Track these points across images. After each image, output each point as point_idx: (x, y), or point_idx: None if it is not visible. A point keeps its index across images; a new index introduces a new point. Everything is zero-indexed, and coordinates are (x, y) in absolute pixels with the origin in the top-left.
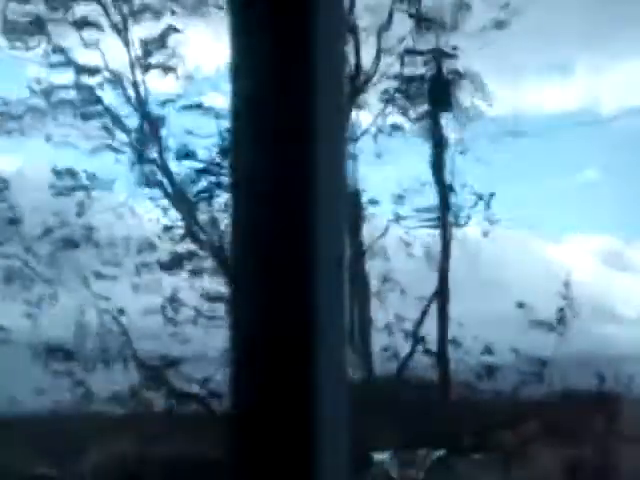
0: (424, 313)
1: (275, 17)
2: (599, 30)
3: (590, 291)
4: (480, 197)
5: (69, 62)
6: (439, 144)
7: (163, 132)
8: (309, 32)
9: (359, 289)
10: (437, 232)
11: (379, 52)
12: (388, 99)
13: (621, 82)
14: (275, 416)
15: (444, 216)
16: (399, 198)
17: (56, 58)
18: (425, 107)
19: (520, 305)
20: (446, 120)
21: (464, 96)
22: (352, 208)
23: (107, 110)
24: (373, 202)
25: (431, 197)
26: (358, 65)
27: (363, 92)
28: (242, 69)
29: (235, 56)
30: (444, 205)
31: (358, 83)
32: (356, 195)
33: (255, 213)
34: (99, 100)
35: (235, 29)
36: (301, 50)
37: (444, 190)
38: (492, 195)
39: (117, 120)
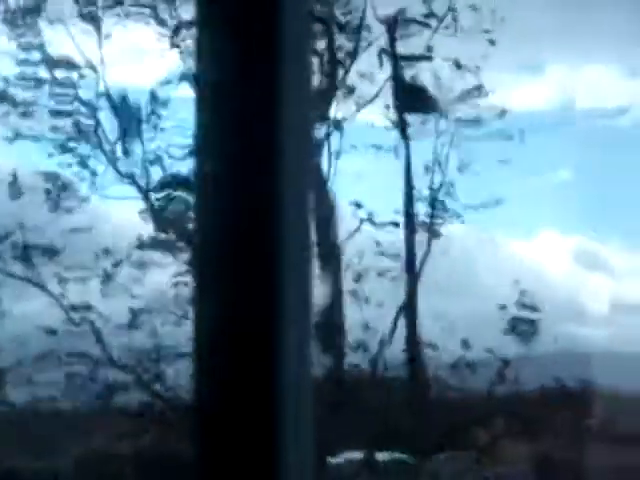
0: (397, 312)
1: (241, 13)
2: (573, 32)
3: (563, 290)
4: (452, 196)
5: (43, 56)
6: (409, 144)
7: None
8: (275, 28)
9: (333, 286)
10: (409, 232)
11: (356, 51)
12: (363, 98)
13: (594, 83)
14: (239, 413)
15: (414, 215)
16: (371, 197)
17: (30, 51)
18: (399, 108)
19: (498, 307)
20: (420, 120)
21: (439, 97)
22: (326, 205)
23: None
24: (349, 201)
25: (404, 197)
26: (334, 62)
27: (338, 90)
28: (208, 64)
29: (201, 51)
30: (413, 204)
31: (332, 81)
32: (329, 192)
33: (220, 208)
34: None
35: (201, 24)
36: (267, 46)
37: (413, 190)
38: (452, 184)
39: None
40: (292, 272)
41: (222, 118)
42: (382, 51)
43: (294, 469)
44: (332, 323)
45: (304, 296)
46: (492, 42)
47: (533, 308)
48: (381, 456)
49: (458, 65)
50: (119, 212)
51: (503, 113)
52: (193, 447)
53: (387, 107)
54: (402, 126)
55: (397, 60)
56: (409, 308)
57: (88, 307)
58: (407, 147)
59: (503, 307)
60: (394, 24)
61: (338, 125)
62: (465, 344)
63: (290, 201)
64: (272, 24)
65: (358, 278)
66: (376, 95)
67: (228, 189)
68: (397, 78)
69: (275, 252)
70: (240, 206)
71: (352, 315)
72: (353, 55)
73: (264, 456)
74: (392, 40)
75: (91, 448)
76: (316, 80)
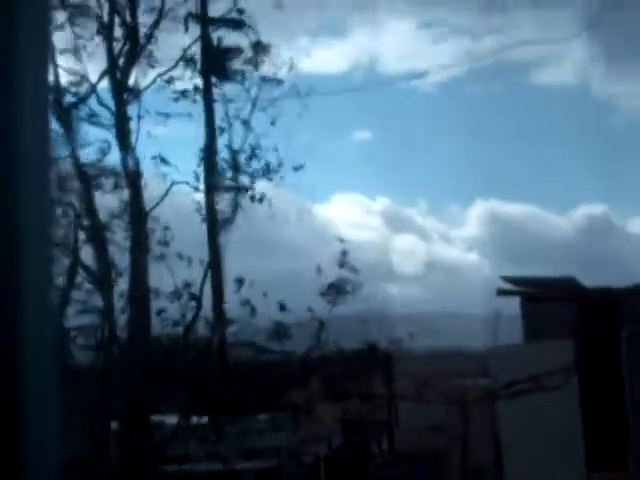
0: (205, 276)
1: None
2: None
3: (371, 251)
4: (260, 160)
5: None
6: (211, 109)
7: None
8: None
9: (139, 253)
10: (212, 194)
11: (160, 16)
12: (162, 62)
13: (395, 46)
14: None
15: (215, 179)
16: (176, 161)
17: None
18: (201, 72)
19: (312, 268)
20: (226, 85)
21: (243, 61)
22: (128, 170)
23: None
24: (162, 161)
25: (206, 160)
26: (135, 27)
27: (141, 53)
28: None
29: None
30: (216, 167)
31: (135, 45)
32: (134, 156)
33: None
34: None
35: None
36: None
37: (215, 153)
38: (256, 147)
39: None
40: (32, 253)
41: None
42: (189, 15)
43: (37, 461)
44: (141, 289)
45: (45, 276)
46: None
47: (347, 269)
48: (197, 419)
49: (250, 26)
50: None
51: (300, 74)
52: None
53: (190, 70)
54: (204, 89)
55: (204, 24)
56: (216, 270)
57: None
58: (209, 110)
59: (317, 269)
60: None
61: (138, 90)
62: (280, 307)
63: (29, 177)
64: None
65: (168, 242)
66: (179, 59)
67: None
68: (202, 42)
69: (13, 230)
70: None
71: (164, 279)
72: (156, 20)
73: (7, 445)
74: (201, 3)
75: None
76: (115, 45)
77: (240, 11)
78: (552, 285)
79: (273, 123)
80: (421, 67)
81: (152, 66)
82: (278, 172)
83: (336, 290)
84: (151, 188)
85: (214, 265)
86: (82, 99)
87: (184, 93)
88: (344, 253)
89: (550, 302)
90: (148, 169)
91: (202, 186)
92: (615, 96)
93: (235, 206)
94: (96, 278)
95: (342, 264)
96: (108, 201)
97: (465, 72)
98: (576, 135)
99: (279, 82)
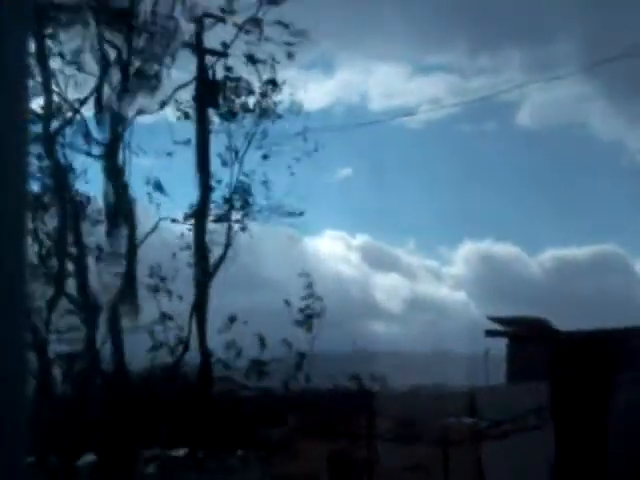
0: (192, 310)
1: None
2: (360, 31)
3: (354, 288)
4: (243, 192)
5: None
6: (204, 140)
7: None
8: None
9: (126, 284)
10: (203, 228)
11: (151, 45)
12: (158, 94)
13: (385, 83)
14: None
15: (203, 212)
16: (169, 192)
17: None
18: (197, 104)
19: (285, 302)
20: (215, 117)
21: (232, 94)
22: (123, 201)
23: None
24: (147, 197)
25: (199, 193)
26: (130, 56)
27: (134, 85)
28: None
29: None
30: (204, 200)
31: (128, 77)
32: (124, 187)
33: None
34: None
35: None
36: None
37: (204, 185)
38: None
39: None
40: (4, 281)
41: None
42: (184, 45)
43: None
44: (120, 320)
45: (19, 301)
46: (289, 43)
47: (321, 304)
48: (174, 453)
49: (252, 61)
50: None
51: (295, 110)
52: None
53: (182, 102)
54: (199, 122)
55: (199, 55)
56: (202, 304)
57: None
58: (204, 143)
59: (291, 303)
60: (199, 20)
61: (133, 121)
62: (260, 341)
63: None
64: None
65: (160, 274)
66: (174, 91)
67: None
68: (197, 73)
69: None
70: None
71: (152, 311)
72: (153, 51)
73: None
74: (196, 35)
75: None
76: (113, 77)
77: (225, 45)
78: (533, 325)
79: (265, 158)
80: (409, 105)
81: (156, 99)
82: (265, 209)
83: (306, 326)
84: (142, 221)
85: (202, 301)
86: (70, 127)
87: (173, 121)
88: (313, 292)
89: (534, 342)
90: (138, 201)
91: (192, 221)
92: (619, 138)
93: (226, 242)
94: (80, 308)
95: (311, 301)
96: (96, 232)
97: (456, 111)
98: (569, 176)
99: (276, 118)
